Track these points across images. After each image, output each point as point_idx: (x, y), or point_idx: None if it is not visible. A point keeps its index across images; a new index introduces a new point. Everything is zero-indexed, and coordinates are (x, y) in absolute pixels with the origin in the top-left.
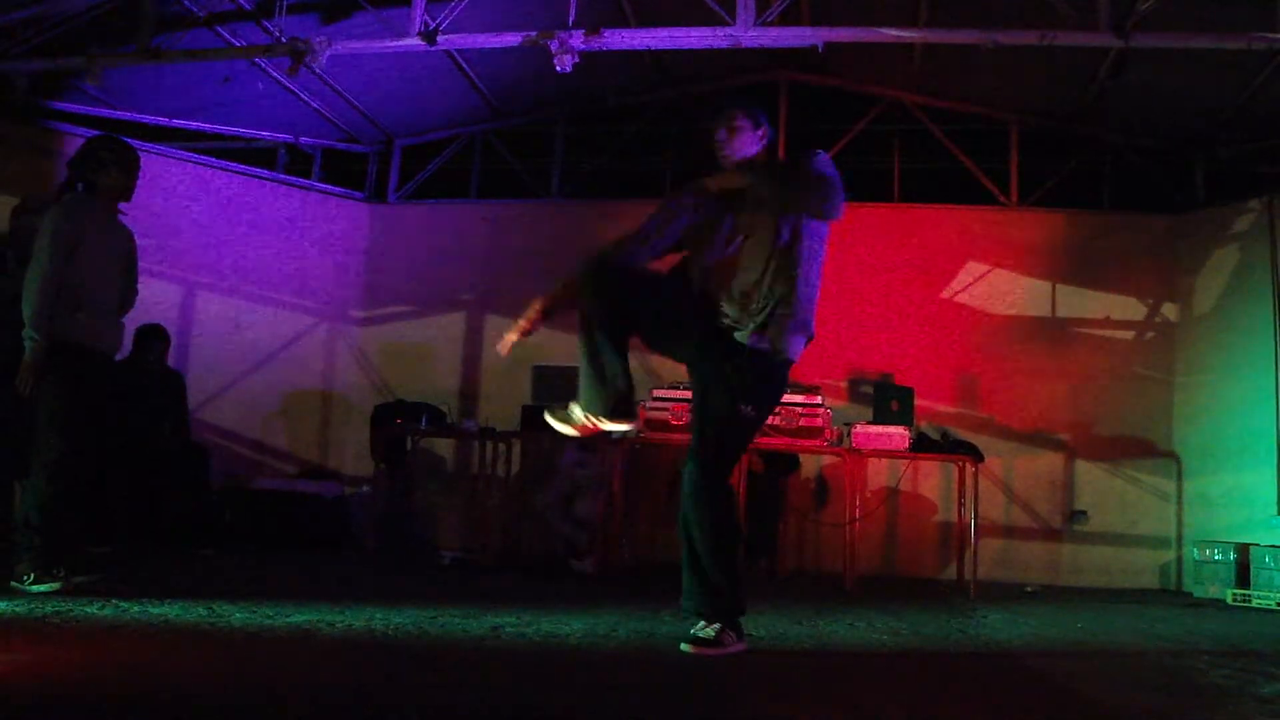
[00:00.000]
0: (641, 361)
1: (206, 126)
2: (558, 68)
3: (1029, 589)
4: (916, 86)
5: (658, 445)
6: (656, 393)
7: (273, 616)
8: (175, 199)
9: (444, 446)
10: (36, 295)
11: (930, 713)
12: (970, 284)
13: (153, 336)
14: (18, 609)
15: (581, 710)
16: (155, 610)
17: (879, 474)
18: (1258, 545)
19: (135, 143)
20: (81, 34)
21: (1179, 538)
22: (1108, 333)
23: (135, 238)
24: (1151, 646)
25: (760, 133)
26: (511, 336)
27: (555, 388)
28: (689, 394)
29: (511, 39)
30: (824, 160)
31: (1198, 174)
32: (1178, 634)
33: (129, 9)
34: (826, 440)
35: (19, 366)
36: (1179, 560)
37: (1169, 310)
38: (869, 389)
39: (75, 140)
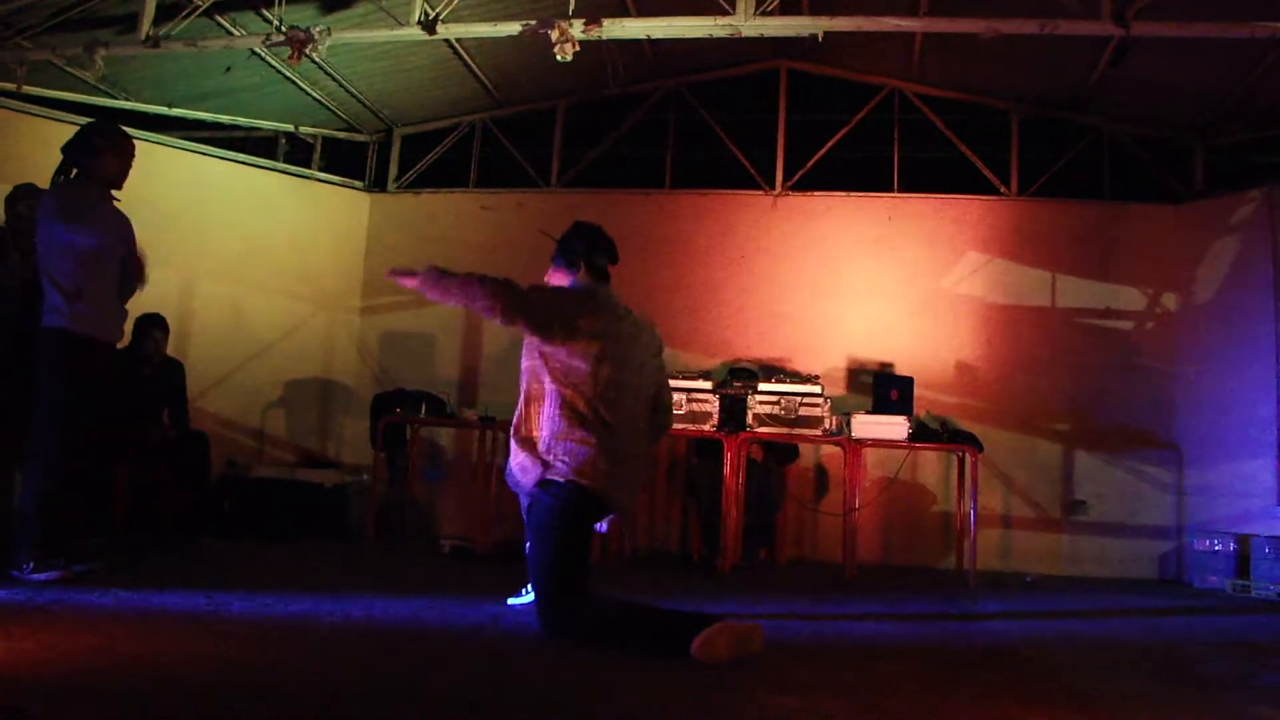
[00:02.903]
0: None
1: (206, 115)
2: (558, 57)
3: (1028, 579)
4: (916, 76)
5: None
6: None
7: (272, 605)
8: (175, 188)
9: (444, 435)
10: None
11: (930, 702)
12: (970, 274)
13: (152, 325)
14: (17, 597)
15: (581, 700)
16: (154, 599)
17: (879, 463)
18: (1258, 535)
19: (134, 132)
20: (80, 22)
21: (1179, 528)
22: (1108, 323)
23: (131, 224)
24: (1151, 636)
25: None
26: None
27: None
28: (688, 383)
29: (511, 28)
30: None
31: (1198, 163)
32: (1177, 624)
33: None
34: (826, 430)
35: (22, 356)
36: (1179, 550)
37: (1169, 300)
38: (868, 378)
39: (74, 129)
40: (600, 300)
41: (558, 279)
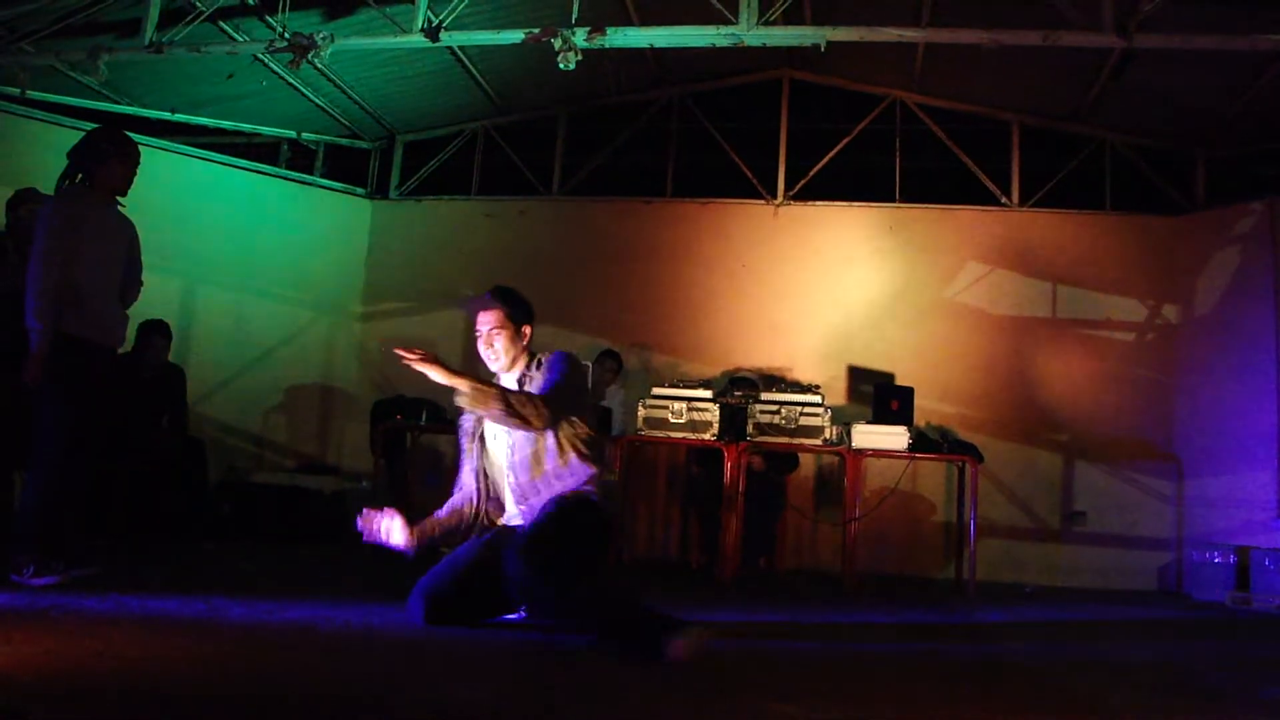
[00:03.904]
0: (640, 358)
1: (208, 121)
2: (561, 65)
3: (1027, 590)
4: (918, 86)
5: (656, 443)
6: (656, 391)
7: (271, 611)
8: (177, 194)
9: (444, 442)
10: (38, 290)
11: (929, 712)
12: (971, 284)
13: (155, 332)
14: (17, 601)
15: (582, 705)
16: (154, 604)
17: (878, 473)
18: (1258, 548)
19: (137, 137)
20: (84, 27)
21: (1178, 539)
22: (1108, 334)
23: (136, 229)
24: (1150, 648)
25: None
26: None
27: None
28: (689, 392)
29: (514, 36)
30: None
31: (1199, 175)
32: (1176, 636)
33: (132, 2)
34: (826, 439)
35: (21, 359)
36: (1178, 562)
37: (1169, 312)
38: (869, 388)
39: (76, 134)
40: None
41: (527, 332)
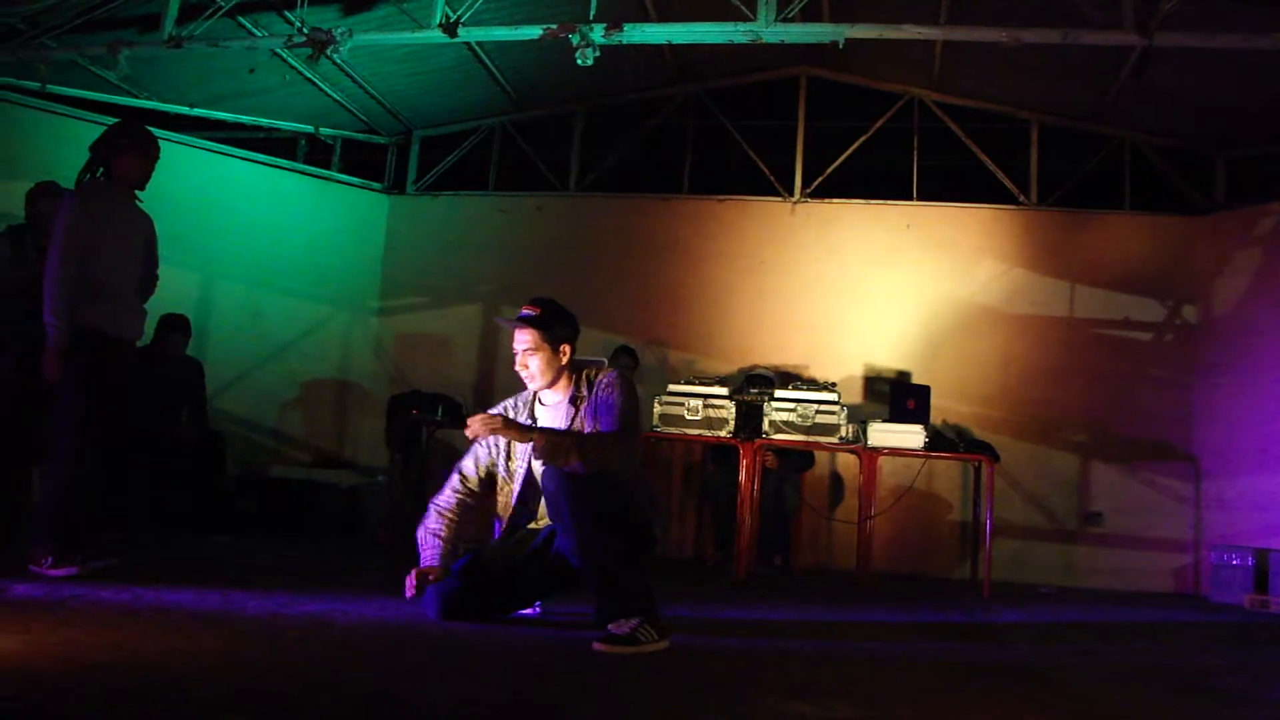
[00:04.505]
0: (656, 355)
1: (227, 116)
2: (579, 61)
3: (1043, 590)
4: (937, 84)
5: (672, 440)
6: (672, 387)
7: (286, 605)
8: (195, 188)
9: (459, 438)
10: (54, 282)
11: (943, 711)
12: (989, 283)
13: (173, 327)
14: (36, 593)
15: (591, 702)
16: (170, 596)
17: (894, 472)
18: (1276, 550)
19: (157, 132)
20: (104, 22)
21: (1196, 541)
22: (1126, 334)
23: (154, 224)
24: (1166, 650)
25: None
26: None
27: None
28: (705, 389)
29: (532, 31)
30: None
31: (1219, 175)
32: (1193, 638)
33: None
34: (842, 438)
35: (39, 353)
36: (1196, 564)
37: (1188, 312)
38: (885, 387)
39: (96, 128)
40: None
41: (566, 350)
